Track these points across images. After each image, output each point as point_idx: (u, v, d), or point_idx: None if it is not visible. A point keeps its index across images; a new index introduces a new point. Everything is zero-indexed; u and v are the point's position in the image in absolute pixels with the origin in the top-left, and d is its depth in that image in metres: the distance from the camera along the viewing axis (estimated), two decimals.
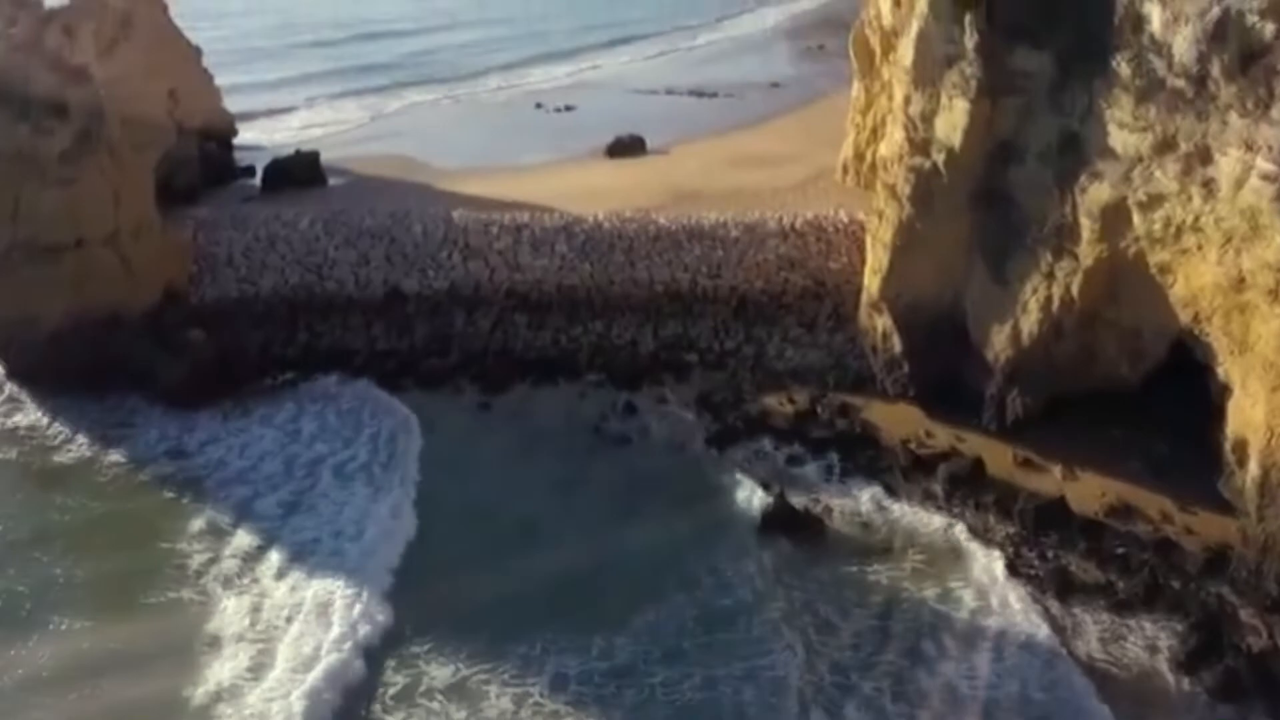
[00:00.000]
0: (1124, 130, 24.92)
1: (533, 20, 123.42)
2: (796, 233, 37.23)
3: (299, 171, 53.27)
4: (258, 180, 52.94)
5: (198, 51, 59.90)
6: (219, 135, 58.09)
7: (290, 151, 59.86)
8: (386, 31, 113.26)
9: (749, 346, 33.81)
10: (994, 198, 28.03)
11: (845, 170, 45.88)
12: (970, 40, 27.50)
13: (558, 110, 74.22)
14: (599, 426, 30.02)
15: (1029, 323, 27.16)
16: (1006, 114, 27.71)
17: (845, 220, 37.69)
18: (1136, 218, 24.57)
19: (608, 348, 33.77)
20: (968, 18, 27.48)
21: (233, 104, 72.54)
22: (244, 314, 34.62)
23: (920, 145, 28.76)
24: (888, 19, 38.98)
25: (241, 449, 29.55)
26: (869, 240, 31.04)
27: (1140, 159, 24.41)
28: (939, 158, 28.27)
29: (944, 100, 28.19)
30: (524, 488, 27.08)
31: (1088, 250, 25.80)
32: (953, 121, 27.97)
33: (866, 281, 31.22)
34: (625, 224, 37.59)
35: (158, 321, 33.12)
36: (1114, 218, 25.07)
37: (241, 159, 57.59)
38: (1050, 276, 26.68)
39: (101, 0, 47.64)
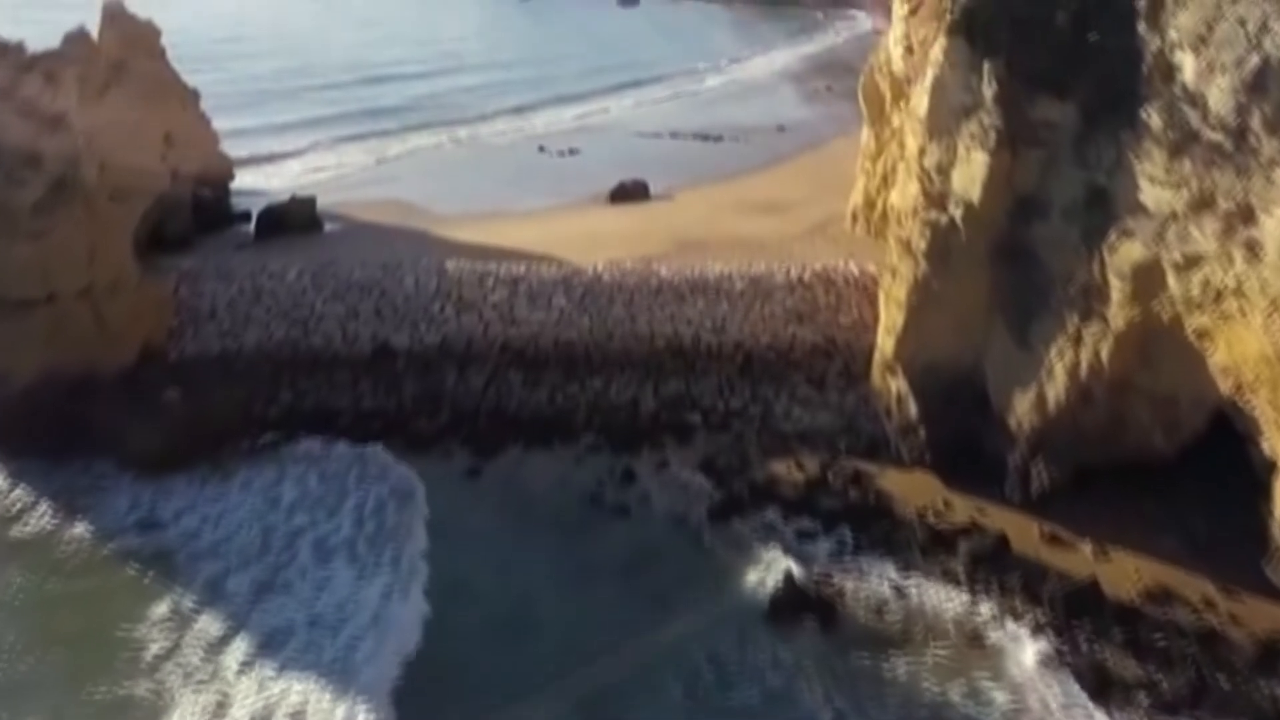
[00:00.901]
0: (1156, 186, 23.33)
1: (542, 63, 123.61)
2: (805, 285, 35.63)
3: (294, 218, 52.06)
4: (254, 227, 51.81)
5: (195, 95, 58.95)
6: (215, 180, 56.94)
7: (290, 196, 58.92)
8: (394, 75, 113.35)
9: (755, 406, 32.06)
10: (1016, 255, 26.41)
11: (855, 218, 44.44)
12: (989, 89, 26.05)
13: (561, 154, 73.31)
14: (596, 495, 28.20)
15: (1055, 389, 25.39)
16: (1028, 167, 26.17)
17: (856, 272, 36.11)
18: (1172, 279, 22.89)
19: (606, 407, 32.03)
20: (986, 65, 26.05)
21: (235, 148, 71.88)
22: (225, 371, 32.98)
23: (936, 199, 27.19)
24: (898, 65, 37.72)
25: (216, 519, 27.73)
26: (882, 298, 29.37)
27: (1175, 216, 22.79)
28: (957, 212, 26.69)
29: (961, 152, 26.68)
30: (516, 568, 25.20)
31: (1118, 313, 24.09)
32: (971, 174, 26.42)
33: (880, 341, 29.52)
34: (626, 275, 36.04)
35: (134, 380, 31.50)
36: (1147, 279, 23.39)
37: (240, 204, 56.44)
38: (1078, 340, 24.95)
39: (92, 45, 46.85)
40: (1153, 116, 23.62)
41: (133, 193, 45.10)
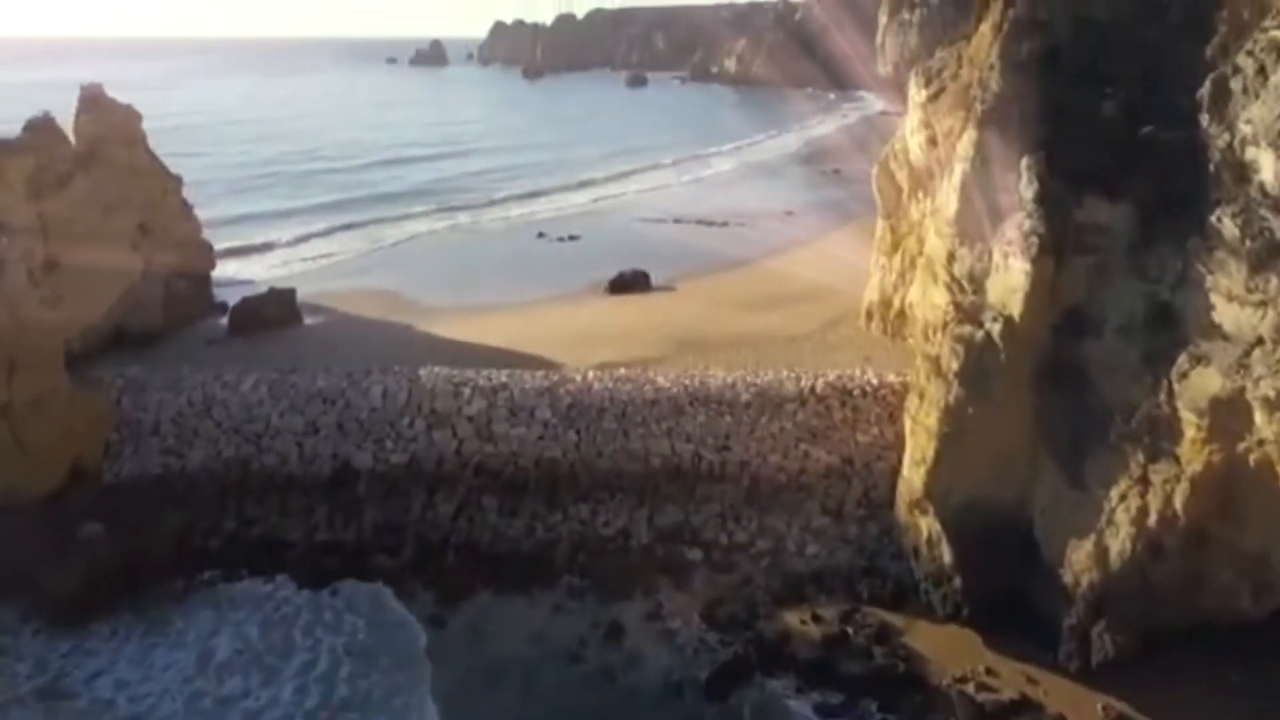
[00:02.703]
0: (1234, 304, 19.74)
1: (547, 147, 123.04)
2: (817, 397, 31.93)
3: (271, 310, 49.15)
4: (227, 321, 48.85)
5: (177, 182, 56.67)
6: (194, 271, 54.24)
7: (279, 285, 56.30)
8: (402, 158, 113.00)
9: (764, 540, 28.04)
10: (1065, 379, 22.68)
11: (869, 316, 41.00)
12: (1028, 188, 22.69)
13: (560, 240, 70.81)
14: (577, 654, 24.06)
15: (1118, 540, 21.37)
16: (1076, 276, 22.64)
17: (874, 382, 32.44)
18: (1261, 417, 19.10)
19: (592, 540, 28.04)
20: (1024, 162, 22.74)
21: (229, 235, 69.83)
22: (165, 495, 29.27)
23: (969, 311, 23.62)
24: (916, 155, 34.66)
25: (136, 684, 23.65)
26: (908, 422, 25.57)
27: (1261, 342, 19.12)
28: (994, 328, 23.07)
29: (997, 259, 23.21)
30: None
31: (1193, 453, 20.24)
32: (1009, 284, 22.89)
33: (906, 472, 25.62)
34: (618, 385, 32.45)
35: (57, 508, 27.80)
36: (1228, 415, 19.60)
37: (225, 295, 53.77)
38: (1144, 482, 21.04)
39: (56, 133, 44.42)
40: (1225, 222, 20.16)
41: (92, 288, 42.15)
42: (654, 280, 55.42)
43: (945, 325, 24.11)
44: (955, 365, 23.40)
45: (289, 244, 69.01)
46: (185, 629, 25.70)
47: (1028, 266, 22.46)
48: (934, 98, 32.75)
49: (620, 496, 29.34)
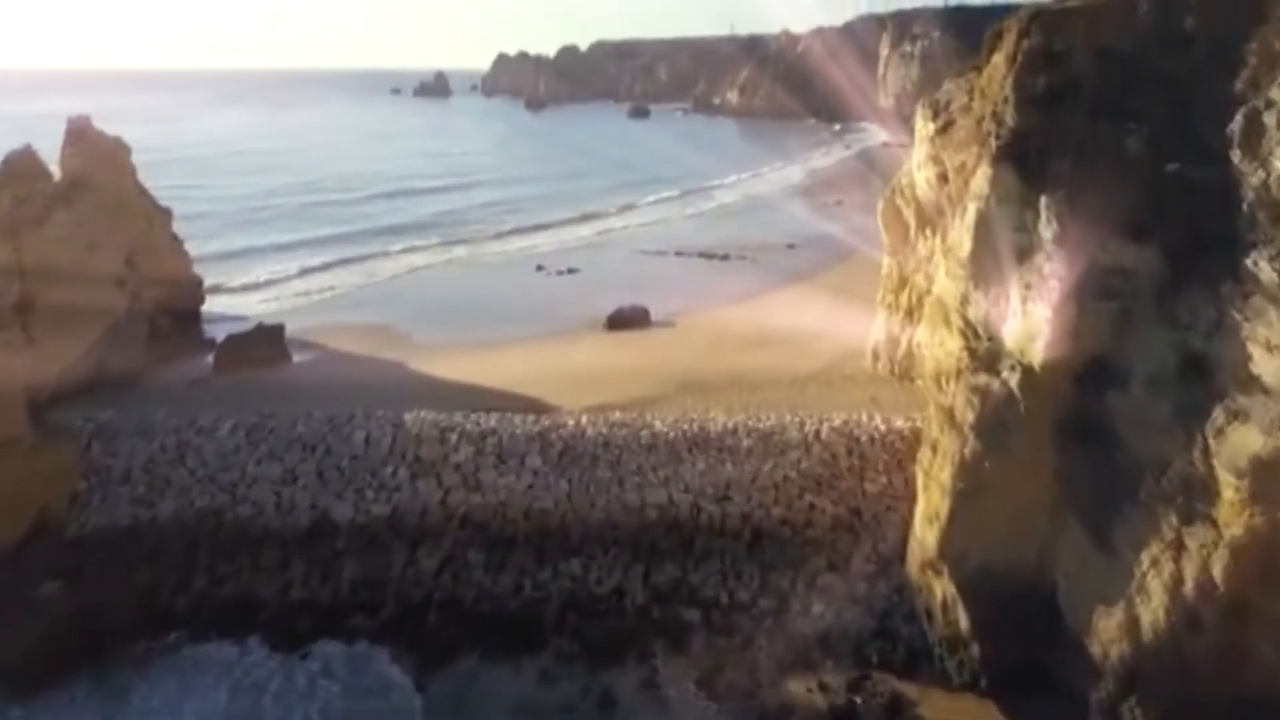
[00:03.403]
0: (1275, 355, 18.16)
1: (555, 179, 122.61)
2: (823, 443, 30.36)
3: (258, 348, 47.80)
4: (213, 358, 47.50)
5: (166, 215, 55.65)
6: (183, 306, 53.04)
7: (272, 320, 55.19)
8: (403, 190, 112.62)
9: (766, 599, 26.33)
10: (1090, 433, 21.06)
11: (875, 356, 39.52)
12: (1048, 229, 21.24)
13: (560, 273, 69.67)
14: None
15: (1150, 609, 19.67)
16: (1100, 323, 21.08)
17: (881, 428, 30.88)
18: None
19: (584, 599, 26.35)
20: (1043, 201, 21.31)
21: (225, 270, 68.92)
22: (132, 548, 27.67)
23: (985, 359, 22.10)
24: (924, 191, 33.32)
25: None
26: (920, 476, 23.97)
27: None
28: (1012, 377, 21.53)
29: (1015, 303, 21.72)
30: None
31: (1233, 516, 18.56)
32: (1029, 330, 21.39)
33: (918, 530, 23.98)
34: (613, 429, 30.90)
35: (15, 564, 26.20)
36: (1271, 476, 17.97)
37: (216, 331, 52.56)
38: (1179, 547, 19.36)
39: (36, 165, 43.34)
40: (1262, 266, 18.64)
41: (70, 328, 40.83)
42: (654, 315, 54.13)
43: (959, 373, 22.58)
44: (971, 417, 21.84)
45: (285, 278, 68.03)
46: (148, 696, 24.05)
47: (1048, 312, 20.95)
48: (942, 131, 31.48)
49: (614, 551, 27.69)
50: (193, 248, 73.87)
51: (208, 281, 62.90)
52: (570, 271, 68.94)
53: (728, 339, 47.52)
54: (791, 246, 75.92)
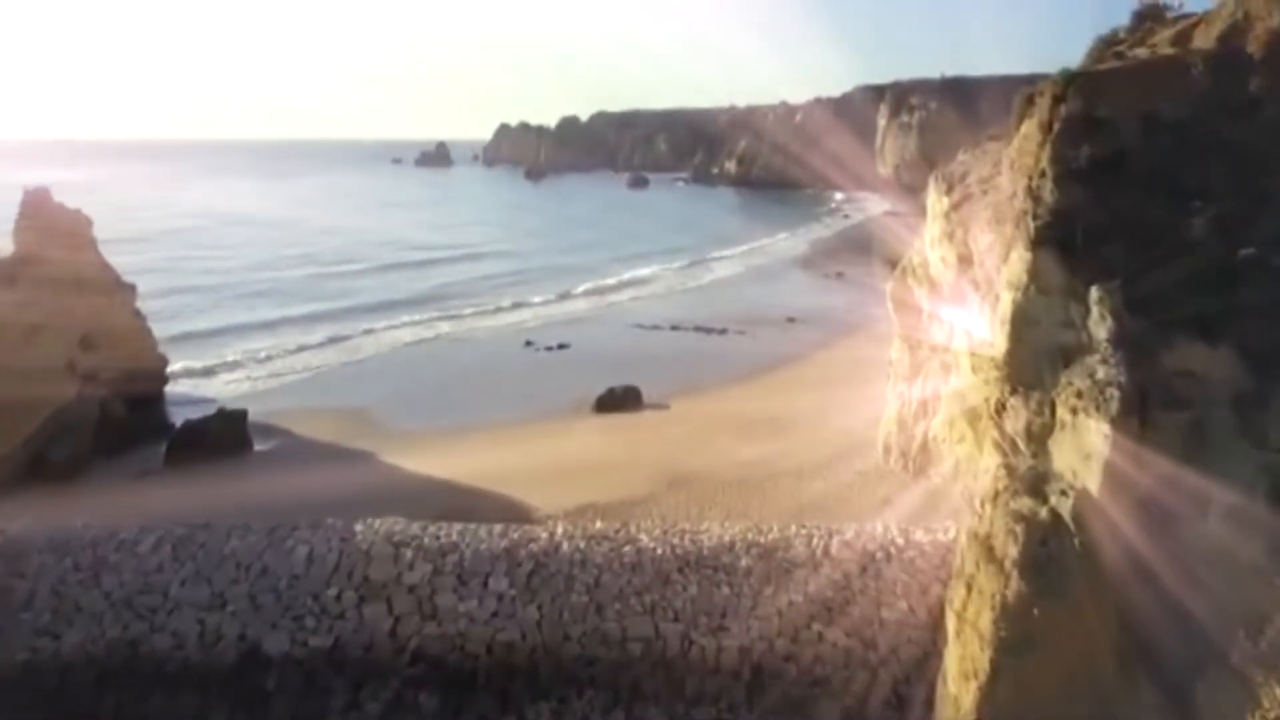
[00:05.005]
0: None
1: (552, 251, 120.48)
2: (832, 561, 26.44)
3: (217, 435, 44.33)
4: (165, 448, 44.04)
5: (130, 291, 52.60)
6: (141, 390, 49.62)
7: (244, 402, 52.00)
8: (397, 263, 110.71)
9: None
10: (1163, 574, 17.29)
11: (887, 450, 35.85)
12: (1101, 326, 17.79)
13: (549, 349, 66.43)
14: None
15: None
16: (1168, 439, 17.48)
17: (900, 541, 27.02)
18: None
19: None
20: (1094, 293, 17.89)
21: (204, 348, 65.78)
22: (28, 690, 23.59)
23: (1028, 481, 18.42)
24: (938, 270, 30.07)
25: None
26: (951, 620, 20.05)
27: None
28: (1063, 504, 17.85)
29: (1063, 415, 18.14)
30: None
31: None
32: (1081, 448, 17.77)
33: (952, 686, 19.96)
34: (592, 544, 27.03)
35: None
36: None
37: (181, 415, 49.10)
38: None
39: None
40: None
41: (7, 414, 37.37)
42: (646, 396, 50.73)
43: (996, 495, 18.87)
44: (1014, 552, 18.07)
45: (264, 358, 64.79)
46: None
47: (1105, 426, 17.35)
48: (958, 206, 28.36)
49: (590, 694, 23.61)
50: (174, 325, 71.34)
51: (180, 361, 59.93)
52: (560, 347, 65.77)
53: (724, 426, 43.96)
54: (791, 321, 72.95)
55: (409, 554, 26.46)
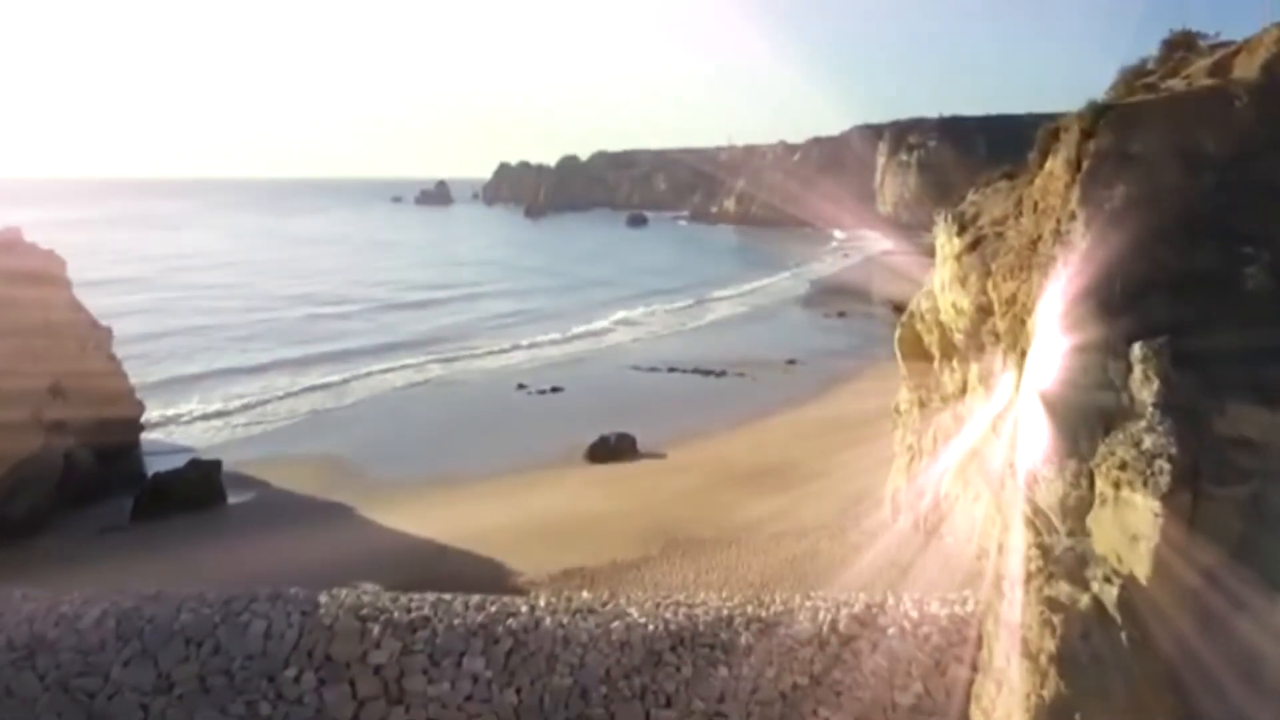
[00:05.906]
0: None
1: (549, 292, 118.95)
2: (840, 637, 24.03)
3: (186, 489, 42.14)
4: (132, 503, 41.81)
5: (104, 335, 50.73)
6: (113, 439, 47.53)
7: (221, 451, 50.12)
8: (399, 302, 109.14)
9: None
10: (1225, 671, 15.03)
11: (896, 508, 33.60)
12: (1146, 388, 15.68)
13: (542, 392, 64.35)
14: None
15: None
16: (1225, 516, 15.31)
17: (914, 615, 24.61)
18: None
19: None
20: (1137, 351, 15.80)
21: (189, 393, 63.85)
22: None
23: (1066, 565, 16.17)
24: (949, 316, 28.07)
25: None
26: (978, 717, 17.72)
27: None
28: (1106, 592, 15.59)
29: (1104, 488, 15.95)
30: None
31: None
32: (1125, 527, 15.56)
33: None
34: (576, 620, 24.63)
35: None
36: None
37: (155, 465, 47.10)
38: None
39: None
40: None
41: None
42: (642, 443, 48.58)
43: (1029, 579, 16.63)
44: (1050, 645, 15.80)
45: (249, 404, 62.60)
46: None
47: (1152, 503, 15.16)
48: (972, 248, 26.41)
49: None
50: (160, 369, 69.44)
51: (161, 408, 57.99)
52: (554, 390, 63.71)
53: (722, 477, 41.77)
54: (792, 362, 70.96)
55: (376, 630, 24.07)
